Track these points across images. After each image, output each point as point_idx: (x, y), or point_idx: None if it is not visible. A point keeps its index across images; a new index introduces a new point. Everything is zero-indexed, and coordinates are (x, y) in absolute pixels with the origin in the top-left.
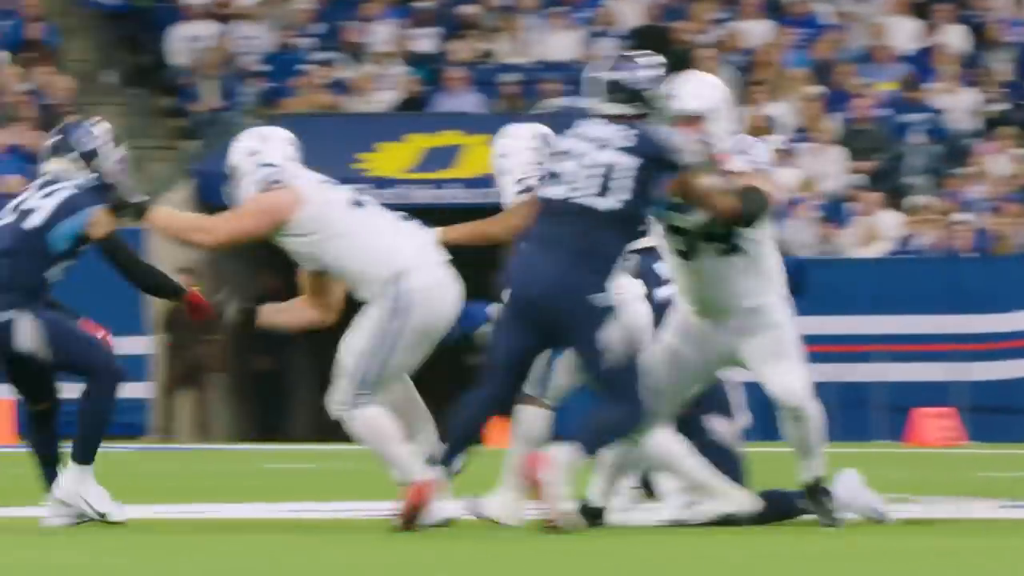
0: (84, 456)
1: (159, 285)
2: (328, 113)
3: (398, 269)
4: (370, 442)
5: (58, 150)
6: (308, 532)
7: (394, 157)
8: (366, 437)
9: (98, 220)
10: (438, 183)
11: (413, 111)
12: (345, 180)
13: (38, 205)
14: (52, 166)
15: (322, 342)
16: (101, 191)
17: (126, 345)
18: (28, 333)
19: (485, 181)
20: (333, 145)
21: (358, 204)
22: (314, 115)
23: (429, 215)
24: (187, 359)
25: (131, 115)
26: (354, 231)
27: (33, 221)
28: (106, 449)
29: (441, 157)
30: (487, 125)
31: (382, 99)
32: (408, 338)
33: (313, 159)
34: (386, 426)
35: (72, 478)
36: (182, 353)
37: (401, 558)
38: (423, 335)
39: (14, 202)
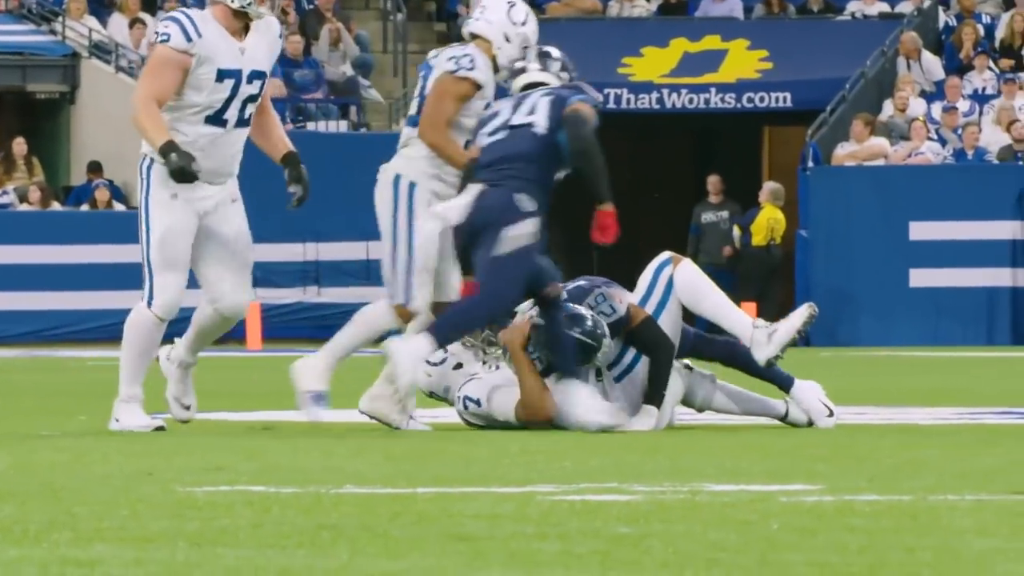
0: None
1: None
2: (596, 18)
3: None
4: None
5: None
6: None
7: (655, 62)
8: None
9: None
10: (696, 88)
11: (676, 16)
12: (609, 85)
13: (529, 120)
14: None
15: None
16: (578, 90)
17: None
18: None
19: (743, 86)
20: (600, 50)
21: None
22: (580, 19)
23: (687, 120)
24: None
25: (393, 20)
26: None
27: (539, 127)
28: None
29: (701, 62)
30: (750, 31)
31: (644, 5)
32: None
33: (581, 64)
34: None
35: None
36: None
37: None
38: None
39: (494, 123)
